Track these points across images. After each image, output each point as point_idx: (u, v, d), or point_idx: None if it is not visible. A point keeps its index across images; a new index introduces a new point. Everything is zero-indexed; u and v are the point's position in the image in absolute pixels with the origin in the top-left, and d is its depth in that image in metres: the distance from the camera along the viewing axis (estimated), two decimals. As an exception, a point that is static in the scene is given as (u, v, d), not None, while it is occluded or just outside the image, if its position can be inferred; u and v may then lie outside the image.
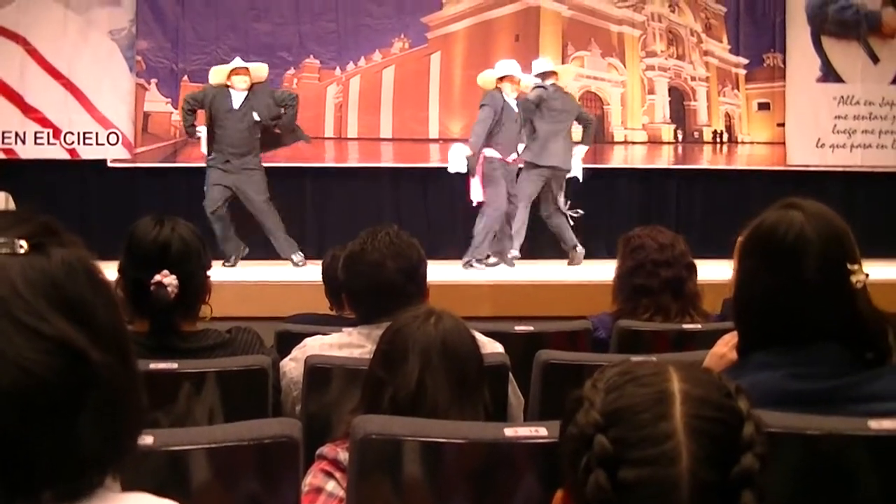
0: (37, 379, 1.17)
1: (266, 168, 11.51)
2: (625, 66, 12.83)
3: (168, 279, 3.43)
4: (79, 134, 11.86)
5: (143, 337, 3.44)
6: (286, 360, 3.83)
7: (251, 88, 10.38)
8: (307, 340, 3.84)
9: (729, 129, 12.99)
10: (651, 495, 1.29)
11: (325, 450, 2.74)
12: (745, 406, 1.37)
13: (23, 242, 1.24)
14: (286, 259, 10.50)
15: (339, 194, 11.85)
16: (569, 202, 10.80)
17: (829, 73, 12.94)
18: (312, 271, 6.29)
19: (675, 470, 1.29)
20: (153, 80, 12.02)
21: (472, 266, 10.29)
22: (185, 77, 11.98)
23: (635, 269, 4.82)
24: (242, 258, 10.59)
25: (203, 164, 10.85)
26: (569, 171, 10.67)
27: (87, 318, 1.24)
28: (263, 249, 11.57)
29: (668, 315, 4.72)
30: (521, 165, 10.54)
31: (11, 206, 9.92)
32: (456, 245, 11.80)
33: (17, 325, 1.18)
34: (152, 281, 3.43)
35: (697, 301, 4.83)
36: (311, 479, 2.69)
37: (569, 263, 10.75)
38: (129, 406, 1.28)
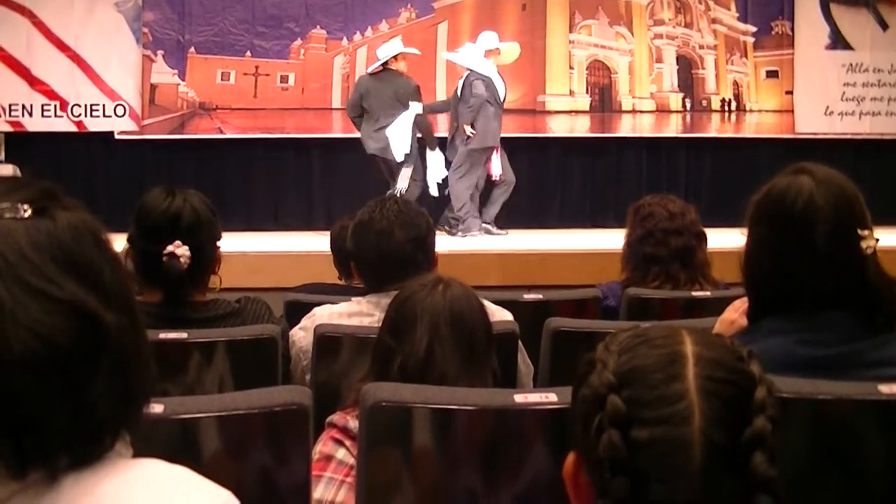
0: (50, 343, 1.17)
1: (273, 139, 11.55)
2: (632, 34, 12.78)
3: (181, 250, 3.43)
4: (86, 106, 11.85)
5: (154, 307, 3.45)
6: (295, 329, 3.84)
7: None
8: (316, 310, 3.85)
9: (737, 97, 12.95)
10: (663, 454, 1.30)
11: (335, 418, 2.75)
12: (757, 370, 1.37)
13: (26, 206, 1.23)
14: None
15: (346, 165, 11.83)
16: None
17: (838, 41, 12.89)
18: (321, 241, 6.29)
19: (687, 429, 1.30)
20: (160, 52, 11.99)
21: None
22: (192, 49, 11.96)
23: (645, 238, 4.80)
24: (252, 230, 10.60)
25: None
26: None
27: (95, 280, 1.23)
28: (272, 220, 11.60)
29: (677, 283, 4.71)
30: None
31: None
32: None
33: (28, 289, 1.18)
34: (164, 252, 3.43)
35: (707, 270, 4.81)
36: (322, 447, 2.70)
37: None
38: (141, 367, 1.28)
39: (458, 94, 10.66)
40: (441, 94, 12.05)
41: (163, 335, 3.23)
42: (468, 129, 10.44)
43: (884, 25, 12.91)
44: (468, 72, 10.64)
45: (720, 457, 1.30)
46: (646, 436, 1.30)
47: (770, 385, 1.36)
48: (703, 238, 4.86)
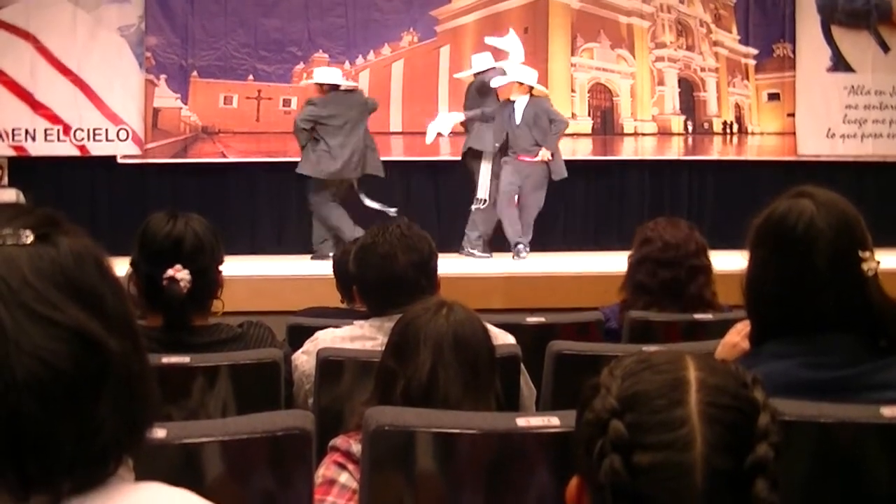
0: (54, 368, 1.17)
1: (276, 163, 11.55)
2: (634, 57, 12.81)
3: (181, 274, 3.43)
4: (89, 130, 11.87)
5: (156, 331, 3.45)
6: (298, 353, 3.84)
7: None
8: (319, 333, 3.85)
9: (739, 119, 12.97)
10: (665, 479, 1.30)
11: (338, 442, 2.75)
12: (760, 396, 1.37)
13: (29, 233, 1.24)
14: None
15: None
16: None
17: (840, 63, 12.91)
18: (323, 265, 6.30)
19: (689, 455, 1.30)
20: (162, 76, 12.02)
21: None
22: (195, 73, 11.99)
23: (639, 263, 4.74)
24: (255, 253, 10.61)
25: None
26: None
27: (98, 305, 1.24)
28: (275, 244, 11.60)
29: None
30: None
31: (22, 202, 9.94)
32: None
33: (31, 314, 1.18)
34: (164, 276, 3.43)
35: (701, 304, 4.66)
36: (324, 471, 2.70)
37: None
38: (144, 392, 1.28)
39: (529, 117, 10.59)
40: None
41: (166, 360, 3.23)
42: (546, 155, 10.54)
43: (885, 48, 12.93)
44: (534, 97, 10.67)
45: (722, 482, 1.30)
46: (647, 461, 1.30)
47: (773, 411, 1.36)
48: (700, 271, 4.73)
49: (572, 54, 12.56)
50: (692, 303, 4.66)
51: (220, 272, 3.65)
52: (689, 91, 12.94)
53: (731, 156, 12.93)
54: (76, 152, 11.88)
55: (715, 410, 1.33)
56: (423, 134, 11.93)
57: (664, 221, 4.91)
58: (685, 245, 4.73)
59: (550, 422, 2.42)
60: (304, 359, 3.77)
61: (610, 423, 1.33)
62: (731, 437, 1.32)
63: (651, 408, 1.34)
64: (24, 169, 11.59)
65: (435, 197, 12.35)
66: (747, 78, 12.99)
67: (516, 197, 10.69)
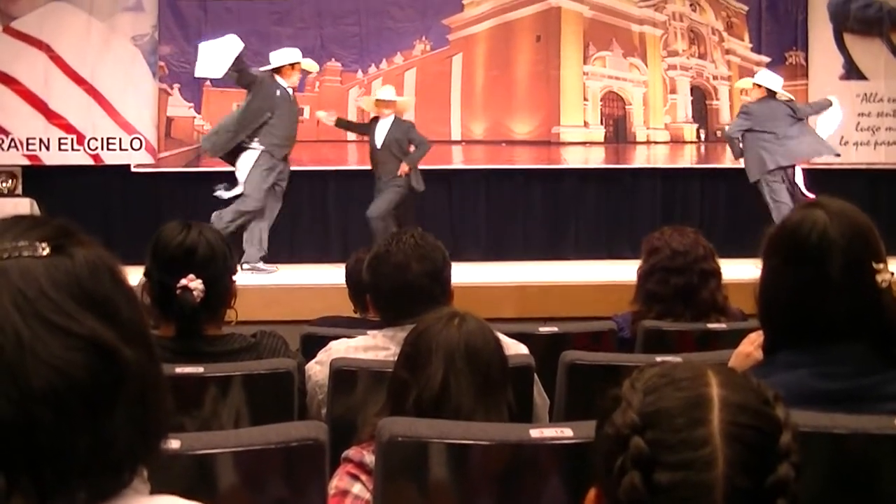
0: (70, 378, 1.18)
1: (291, 171, 11.56)
2: (646, 65, 12.81)
3: (194, 283, 3.44)
4: (102, 139, 11.91)
5: (169, 341, 3.45)
6: (311, 363, 3.83)
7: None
8: (332, 343, 3.85)
9: (752, 127, 12.94)
10: (685, 499, 1.29)
11: (351, 452, 2.75)
12: (782, 414, 1.37)
13: (44, 244, 1.25)
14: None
15: (362, 197, 11.84)
16: None
17: (852, 71, 12.88)
18: (337, 274, 6.31)
19: (709, 475, 1.29)
20: (176, 85, 12.05)
21: None
22: (208, 82, 11.99)
23: (649, 273, 4.75)
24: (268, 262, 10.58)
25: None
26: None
27: (113, 315, 1.24)
28: (287, 253, 11.60)
29: (679, 321, 4.65)
30: None
31: (36, 212, 9.97)
32: (479, 247, 11.81)
33: (48, 325, 1.19)
34: (178, 285, 3.44)
35: (716, 307, 4.69)
36: (337, 481, 2.70)
37: None
38: (158, 402, 1.29)
39: None
40: (455, 126, 12.09)
41: (179, 369, 3.24)
42: None
43: (898, 55, 12.92)
44: None
45: (742, 502, 1.30)
46: (667, 479, 1.30)
47: (795, 430, 1.35)
48: (711, 276, 4.75)
49: (585, 63, 12.56)
50: (705, 308, 4.68)
51: (233, 281, 3.66)
52: (701, 99, 12.93)
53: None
54: (90, 161, 11.91)
55: (737, 429, 1.32)
56: (437, 142, 11.92)
57: (669, 230, 4.94)
58: (693, 250, 4.76)
59: (564, 433, 2.42)
60: (318, 369, 3.77)
61: (631, 439, 1.33)
62: (752, 457, 1.31)
63: (673, 426, 1.33)
64: (38, 178, 11.63)
65: (448, 206, 12.35)
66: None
67: None
